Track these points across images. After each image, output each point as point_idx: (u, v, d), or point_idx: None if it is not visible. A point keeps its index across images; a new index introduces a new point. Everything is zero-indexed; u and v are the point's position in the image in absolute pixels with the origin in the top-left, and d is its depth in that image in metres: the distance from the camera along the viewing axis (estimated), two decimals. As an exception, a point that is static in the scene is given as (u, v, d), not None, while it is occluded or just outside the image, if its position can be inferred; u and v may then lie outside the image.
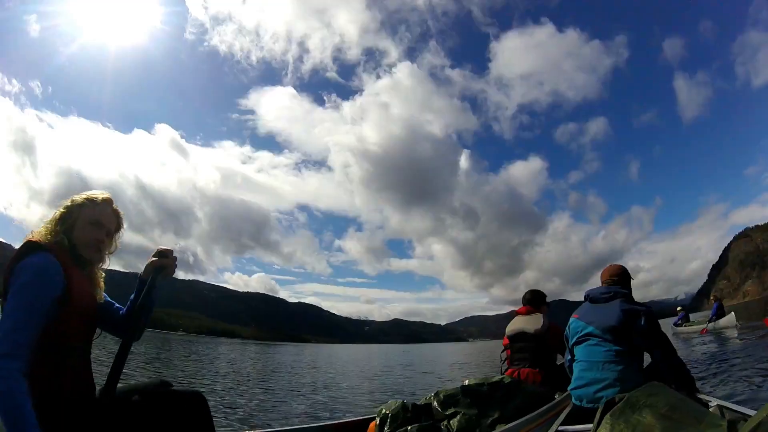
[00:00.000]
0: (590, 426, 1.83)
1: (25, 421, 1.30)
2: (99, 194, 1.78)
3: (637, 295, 2.96)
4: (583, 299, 2.97)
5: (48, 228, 1.67)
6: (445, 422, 2.67)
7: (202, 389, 4.02)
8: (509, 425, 2.40)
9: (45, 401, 1.44)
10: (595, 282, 3.07)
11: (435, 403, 2.77)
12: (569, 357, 2.90)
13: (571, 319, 2.91)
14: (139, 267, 1.86)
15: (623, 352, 2.55)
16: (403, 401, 2.75)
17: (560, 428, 2.28)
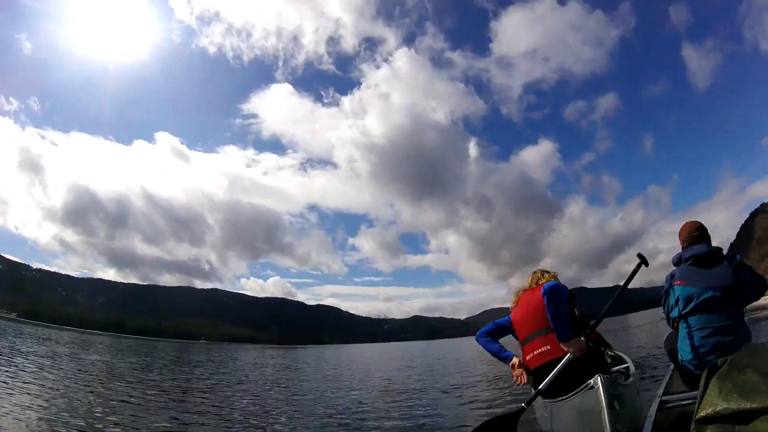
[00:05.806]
0: (695, 393, 1.86)
1: (496, 349, 2.97)
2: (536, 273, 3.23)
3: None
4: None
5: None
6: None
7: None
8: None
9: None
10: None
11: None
12: (675, 327, 2.82)
13: (676, 287, 2.74)
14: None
15: (741, 313, 2.55)
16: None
17: (663, 398, 2.29)
